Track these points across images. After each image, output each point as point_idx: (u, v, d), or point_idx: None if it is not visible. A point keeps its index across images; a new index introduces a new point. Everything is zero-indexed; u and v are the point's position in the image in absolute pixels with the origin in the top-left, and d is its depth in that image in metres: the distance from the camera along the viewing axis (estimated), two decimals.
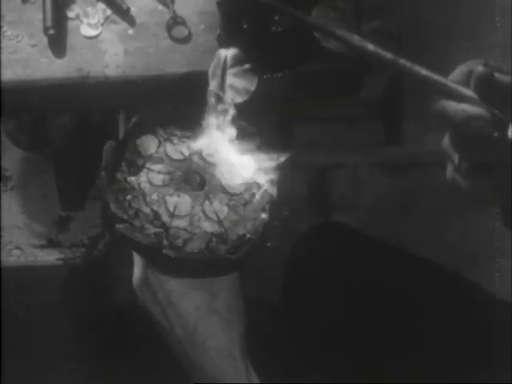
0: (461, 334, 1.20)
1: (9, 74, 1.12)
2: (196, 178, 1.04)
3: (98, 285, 1.48)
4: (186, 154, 1.05)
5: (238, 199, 1.03)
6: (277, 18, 1.04)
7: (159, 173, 1.03)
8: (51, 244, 1.43)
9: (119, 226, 0.98)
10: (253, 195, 1.03)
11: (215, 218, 1.01)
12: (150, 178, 1.03)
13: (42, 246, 1.42)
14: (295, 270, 1.34)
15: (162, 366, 1.41)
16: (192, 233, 0.99)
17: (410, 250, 1.30)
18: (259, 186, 1.03)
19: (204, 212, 1.01)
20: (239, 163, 1.03)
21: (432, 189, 1.80)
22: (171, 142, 1.06)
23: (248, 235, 1.00)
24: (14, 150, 1.49)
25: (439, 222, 1.80)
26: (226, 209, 1.02)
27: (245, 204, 1.03)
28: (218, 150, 1.03)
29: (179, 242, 0.98)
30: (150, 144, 1.05)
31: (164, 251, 0.97)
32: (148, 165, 1.03)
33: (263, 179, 1.02)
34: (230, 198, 1.03)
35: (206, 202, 1.02)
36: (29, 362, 1.53)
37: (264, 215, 1.02)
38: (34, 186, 1.46)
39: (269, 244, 1.00)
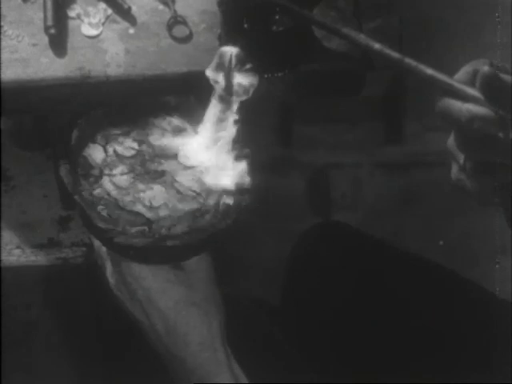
0: (461, 334, 1.20)
1: (9, 74, 1.12)
2: (152, 165, 1.04)
3: (98, 285, 1.47)
4: (137, 147, 1.06)
5: (200, 171, 1.04)
6: (278, 17, 1.04)
7: (122, 174, 1.04)
8: (52, 243, 1.42)
9: (116, 238, 0.98)
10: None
11: (192, 193, 1.02)
12: (115, 182, 1.03)
13: (42, 246, 1.42)
14: (295, 269, 1.34)
15: (159, 365, 1.41)
16: (175, 217, 1.00)
17: (410, 250, 1.30)
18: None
19: (179, 192, 1.02)
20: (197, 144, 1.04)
21: (433, 188, 1.80)
22: (117, 142, 1.07)
23: (226, 202, 1.01)
24: (14, 150, 1.49)
25: (440, 221, 1.80)
26: (195, 183, 1.03)
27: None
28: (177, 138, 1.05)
29: (164, 231, 0.99)
30: (96, 152, 1.06)
31: (162, 244, 0.97)
32: (106, 171, 1.04)
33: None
34: (194, 171, 1.03)
35: (176, 184, 1.02)
36: (29, 362, 1.53)
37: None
38: (35, 185, 1.46)
39: (250, 205, 1.01)
